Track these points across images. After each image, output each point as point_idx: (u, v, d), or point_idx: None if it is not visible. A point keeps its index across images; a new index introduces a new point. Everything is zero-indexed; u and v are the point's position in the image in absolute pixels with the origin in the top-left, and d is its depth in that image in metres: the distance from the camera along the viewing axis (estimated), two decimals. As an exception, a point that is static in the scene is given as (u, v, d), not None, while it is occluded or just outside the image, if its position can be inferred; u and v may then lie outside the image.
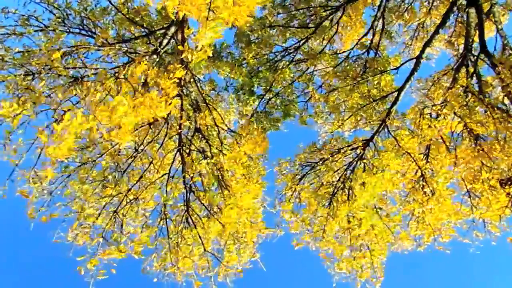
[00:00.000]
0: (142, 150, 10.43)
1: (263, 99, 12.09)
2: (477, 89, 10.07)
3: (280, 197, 11.57)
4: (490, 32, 11.98)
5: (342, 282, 10.91)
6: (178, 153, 10.89)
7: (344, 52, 12.66)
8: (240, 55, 11.60)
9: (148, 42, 9.94)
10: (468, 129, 9.59)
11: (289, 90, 11.89)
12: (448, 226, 10.24)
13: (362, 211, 10.14)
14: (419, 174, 10.70)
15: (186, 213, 10.38)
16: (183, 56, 7.98)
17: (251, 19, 11.16)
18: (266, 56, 11.70)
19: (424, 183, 10.48)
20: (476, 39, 10.61)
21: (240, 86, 11.59)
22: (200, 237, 9.89)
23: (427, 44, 11.68)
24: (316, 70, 12.32)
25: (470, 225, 10.68)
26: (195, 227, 10.01)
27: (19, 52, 8.41)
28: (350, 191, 10.94)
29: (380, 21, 12.38)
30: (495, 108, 9.07)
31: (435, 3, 12.50)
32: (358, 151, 11.76)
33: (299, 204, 11.44)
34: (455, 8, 11.32)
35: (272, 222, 11.09)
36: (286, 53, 12.24)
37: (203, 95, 10.79)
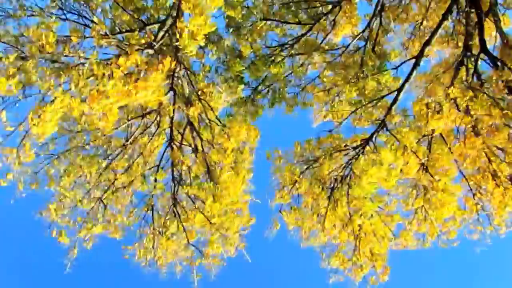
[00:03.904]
0: (132, 141, 10.54)
1: (252, 87, 12.01)
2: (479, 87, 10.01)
3: (275, 190, 11.39)
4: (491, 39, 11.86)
5: (340, 281, 10.82)
6: (168, 147, 10.98)
7: (341, 48, 12.57)
8: (233, 45, 11.58)
9: (142, 35, 10.12)
10: (472, 125, 9.52)
11: (282, 81, 11.83)
12: (454, 223, 10.12)
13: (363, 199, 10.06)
14: (420, 170, 10.54)
15: (172, 205, 10.39)
16: (178, 43, 8.14)
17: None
18: (261, 51, 11.68)
19: (427, 178, 10.36)
20: (476, 38, 10.59)
21: (230, 77, 11.53)
22: (184, 228, 9.89)
23: (427, 43, 11.60)
24: (310, 64, 12.28)
25: (475, 223, 10.61)
26: (180, 219, 10.00)
27: (13, 36, 8.63)
28: (350, 184, 10.85)
29: (378, 19, 12.37)
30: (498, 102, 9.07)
31: (435, 3, 12.44)
32: (357, 150, 11.66)
33: (297, 199, 11.32)
34: (454, 8, 11.29)
35: (266, 219, 11.02)
36: (284, 48, 12.21)
37: (195, 88, 10.87)
